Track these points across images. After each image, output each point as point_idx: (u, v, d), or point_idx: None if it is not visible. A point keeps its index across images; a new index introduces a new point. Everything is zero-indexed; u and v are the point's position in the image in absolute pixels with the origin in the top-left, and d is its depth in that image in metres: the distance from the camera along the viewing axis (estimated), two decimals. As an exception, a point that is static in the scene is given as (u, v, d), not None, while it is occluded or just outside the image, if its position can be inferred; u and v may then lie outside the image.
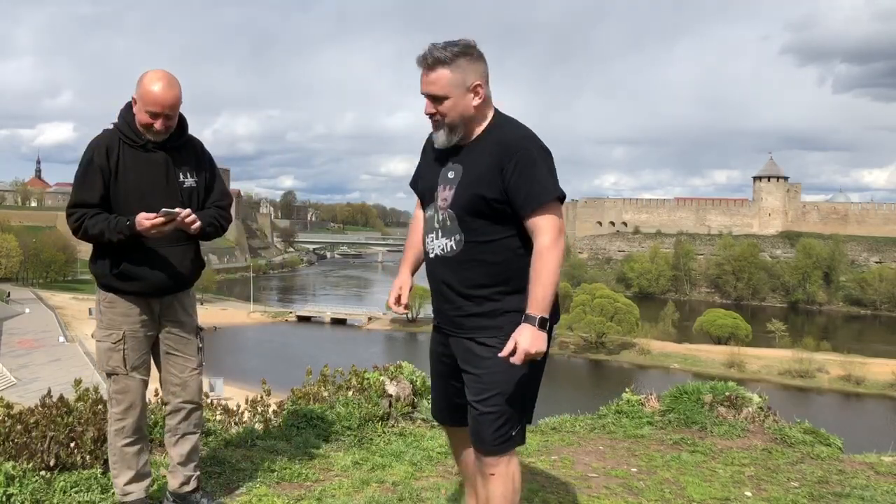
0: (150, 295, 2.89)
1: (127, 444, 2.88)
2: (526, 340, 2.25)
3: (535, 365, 2.38)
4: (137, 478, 2.91)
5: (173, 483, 3.02)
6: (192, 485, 3.03)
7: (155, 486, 3.09)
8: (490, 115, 2.43)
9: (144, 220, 2.71)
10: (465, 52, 2.34)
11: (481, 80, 2.36)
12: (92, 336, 3.03)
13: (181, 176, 2.91)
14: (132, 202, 2.79)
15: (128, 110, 2.86)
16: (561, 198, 2.35)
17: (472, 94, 2.35)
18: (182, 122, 2.92)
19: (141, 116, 2.79)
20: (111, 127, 2.88)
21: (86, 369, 46.98)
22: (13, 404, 3.63)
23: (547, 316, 2.30)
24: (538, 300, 2.29)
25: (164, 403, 3.14)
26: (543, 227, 2.31)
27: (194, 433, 3.05)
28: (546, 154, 2.37)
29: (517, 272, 2.38)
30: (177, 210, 2.73)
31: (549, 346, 2.36)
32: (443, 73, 2.32)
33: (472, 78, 2.34)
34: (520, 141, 2.36)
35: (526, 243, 2.38)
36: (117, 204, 2.81)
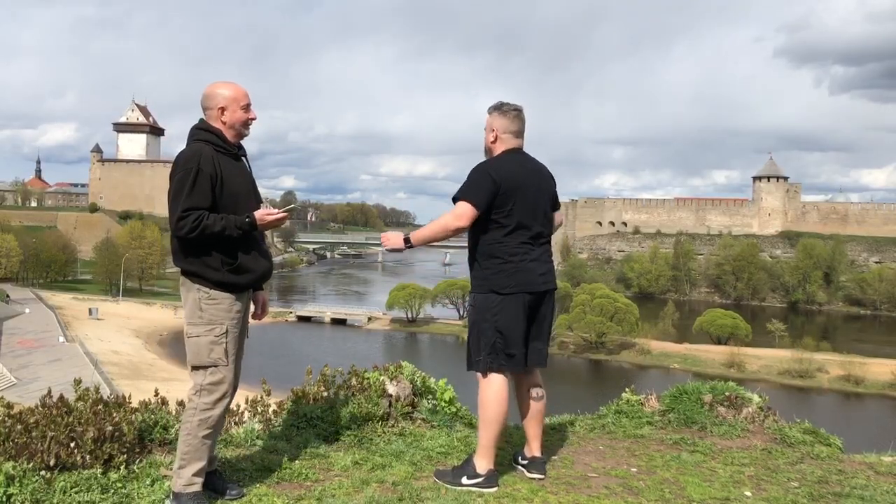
0: (254, 286, 3.14)
1: (207, 435, 2.98)
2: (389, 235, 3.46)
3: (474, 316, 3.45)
4: (201, 472, 2.98)
5: None
6: (214, 465, 3.18)
7: (156, 486, 3.09)
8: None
9: (266, 215, 3.01)
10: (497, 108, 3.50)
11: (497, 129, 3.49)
12: (187, 336, 3.08)
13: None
14: (233, 205, 3.00)
15: (208, 126, 3.06)
16: (455, 198, 3.34)
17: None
18: None
19: (238, 116, 3.06)
20: (196, 143, 3.02)
21: (86, 369, 46.99)
22: (13, 404, 3.62)
23: (412, 240, 3.39)
24: (419, 231, 3.42)
25: (164, 403, 3.18)
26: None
27: (225, 415, 3.23)
28: (476, 171, 3.39)
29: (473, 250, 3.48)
30: (297, 206, 2.95)
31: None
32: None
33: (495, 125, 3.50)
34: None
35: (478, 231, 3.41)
36: (223, 207, 2.98)
